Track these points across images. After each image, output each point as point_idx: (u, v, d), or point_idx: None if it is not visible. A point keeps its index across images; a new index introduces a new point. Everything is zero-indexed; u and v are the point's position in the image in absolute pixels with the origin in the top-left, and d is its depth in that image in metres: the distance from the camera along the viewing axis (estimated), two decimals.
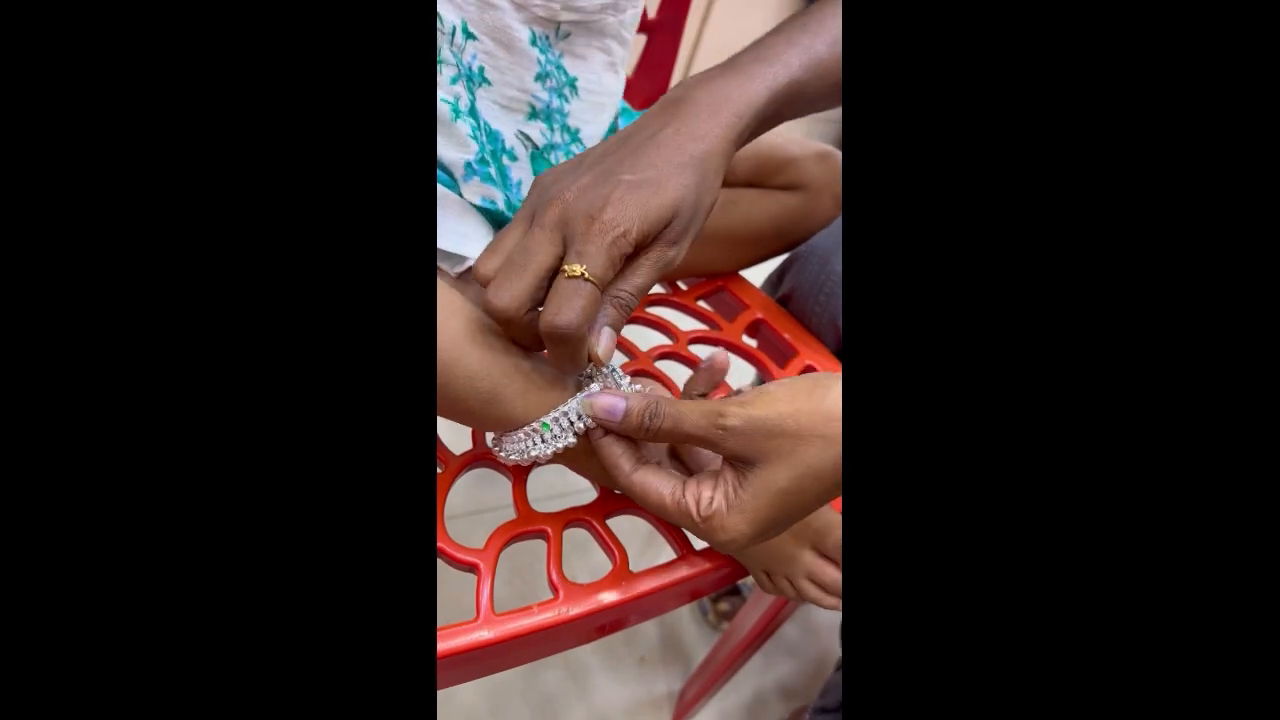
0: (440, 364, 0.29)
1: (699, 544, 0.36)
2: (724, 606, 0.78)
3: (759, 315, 0.51)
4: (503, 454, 0.33)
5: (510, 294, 0.27)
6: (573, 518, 0.36)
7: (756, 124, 0.32)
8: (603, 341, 0.29)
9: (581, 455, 0.33)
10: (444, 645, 0.30)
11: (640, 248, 0.28)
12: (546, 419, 0.31)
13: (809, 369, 0.47)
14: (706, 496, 0.28)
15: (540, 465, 0.34)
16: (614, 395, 0.30)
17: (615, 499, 0.37)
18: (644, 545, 0.57)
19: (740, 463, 0.28)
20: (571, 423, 0.31)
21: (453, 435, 0.38)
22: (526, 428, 0.31)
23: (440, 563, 0.33)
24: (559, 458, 0.33)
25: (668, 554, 0.36)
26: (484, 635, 0.31)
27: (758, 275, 0.55)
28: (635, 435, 0.30)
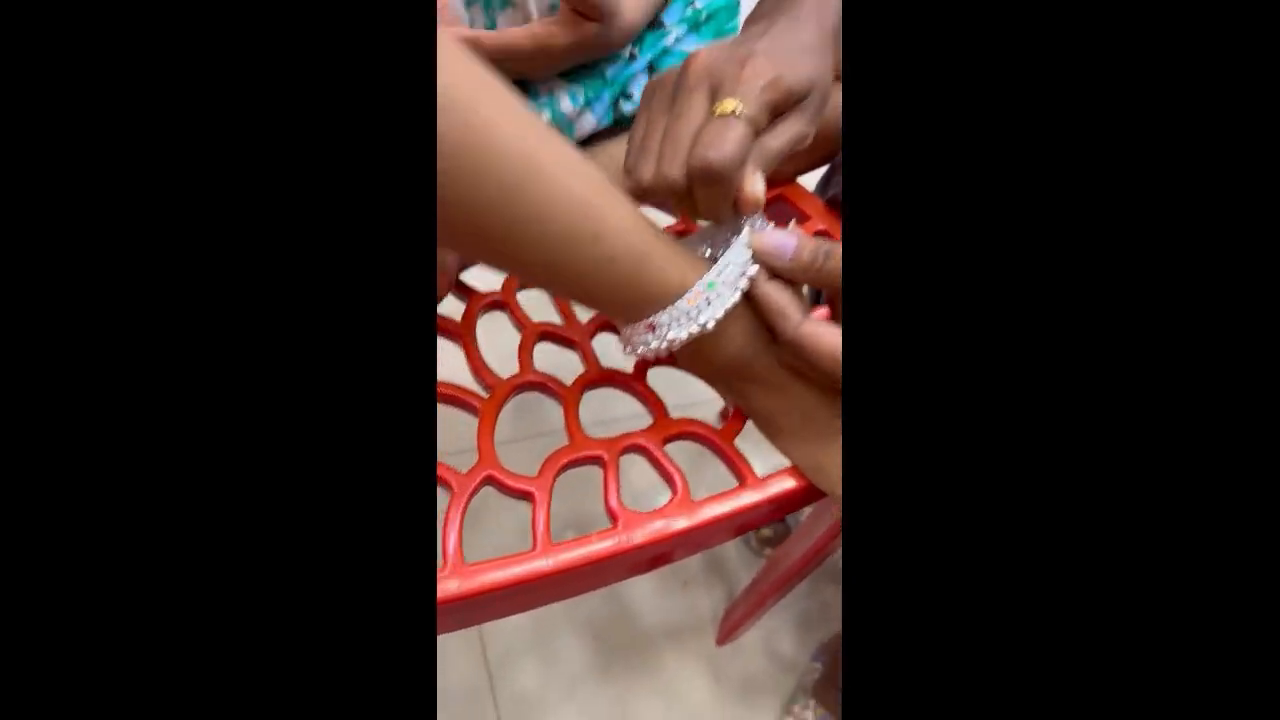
0: (586, 225, 0.26)
1: (760, 469, 0.34)
2: (766, 533, 0.78)
3: (821, 226, 0.46)
4: (648, 341, 0.29)
5: (677, 163, 0.27)
6: (629, 443, 0.33)
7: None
8: (756, 183, 0.27)
9: (710, 343, 0.30)
10: (501, 575, 0.28)
11: (782, 111, 0.28)
12: (710, 277, 0.28)
13: None
14: None
15: (672, 350, 0.30)
16: (783, 232, 0.28)
17: (672, 423, 0.35)
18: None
19: None
20: (741, 273, 0.28)
21: (500, 360, 0.36)
22: (689, 292, 0.28)
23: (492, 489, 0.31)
24: (683, 355, 0.31)
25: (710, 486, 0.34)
26: (543, 565, 0.29)
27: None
28: (803, 276, 0.29)
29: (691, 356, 0.31)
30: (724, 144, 0.26)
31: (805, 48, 0.30)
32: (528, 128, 0.24)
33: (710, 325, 0.28)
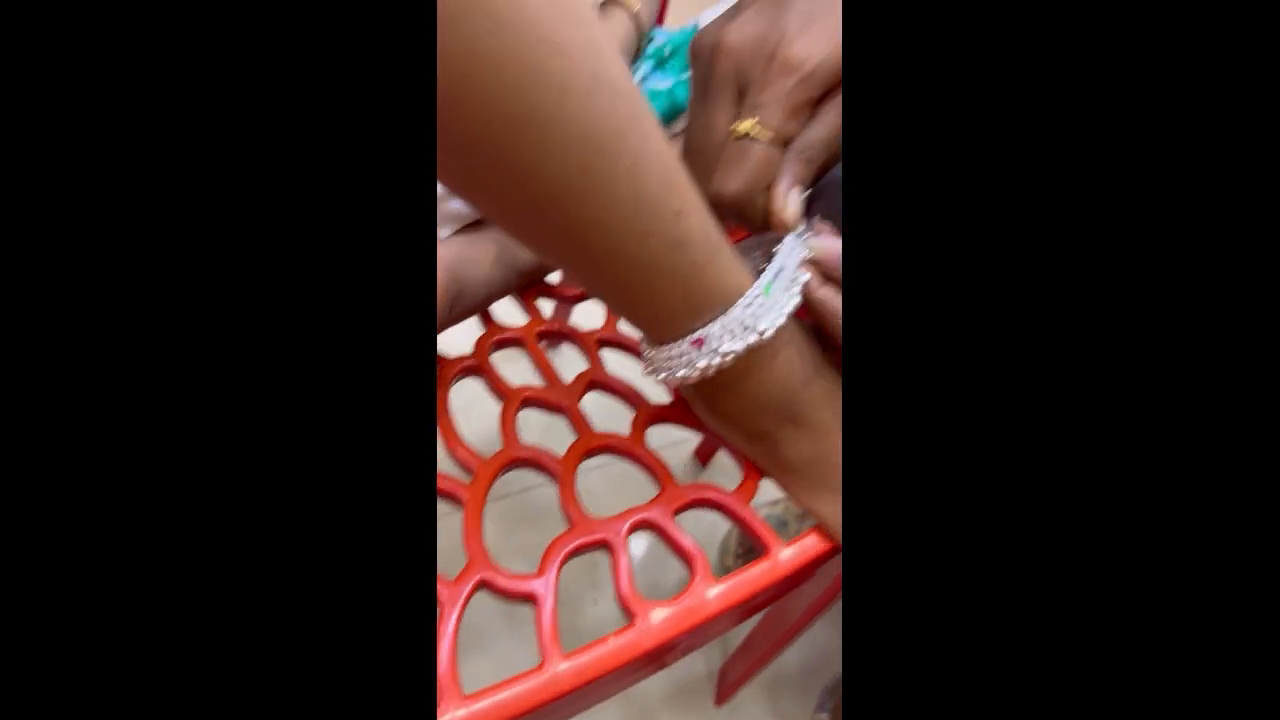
0: (672, 199, 0.22)
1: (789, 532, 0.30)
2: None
3: None
4: (694, 359, 0.25)
5: (714, 184, 0.25)
6: (638, 520, 0.29)
7: None
8: (790, 203, 0.25)
9: (740, 376, 0.26)
10: (511, 700, 0.24)
11: (828, 91, 0.24)
12: (766, 280, 0.25)
13: None
14: None
15: (711, 374, 0.26)
16: (837, 234, 0.26)
17: (682, 491, 0.31)
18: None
19: None
20: (794, 278, 0.25)
21: (478, 433, 0.32)
22: (744, 298, 0.24)
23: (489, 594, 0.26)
24: (713, 394, 0.27)
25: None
26: (558, 681, 0.24)
27: None
28: None
29: (728, 389, 0.27)
30: (738, 174, 0.25)
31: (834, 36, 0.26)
32: (627, 70, 0.20)
33: (769, 333, 0.24)
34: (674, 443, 0.83)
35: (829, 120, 0.25)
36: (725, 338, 0.24)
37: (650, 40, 0.45)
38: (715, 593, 0.28)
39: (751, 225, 0.27)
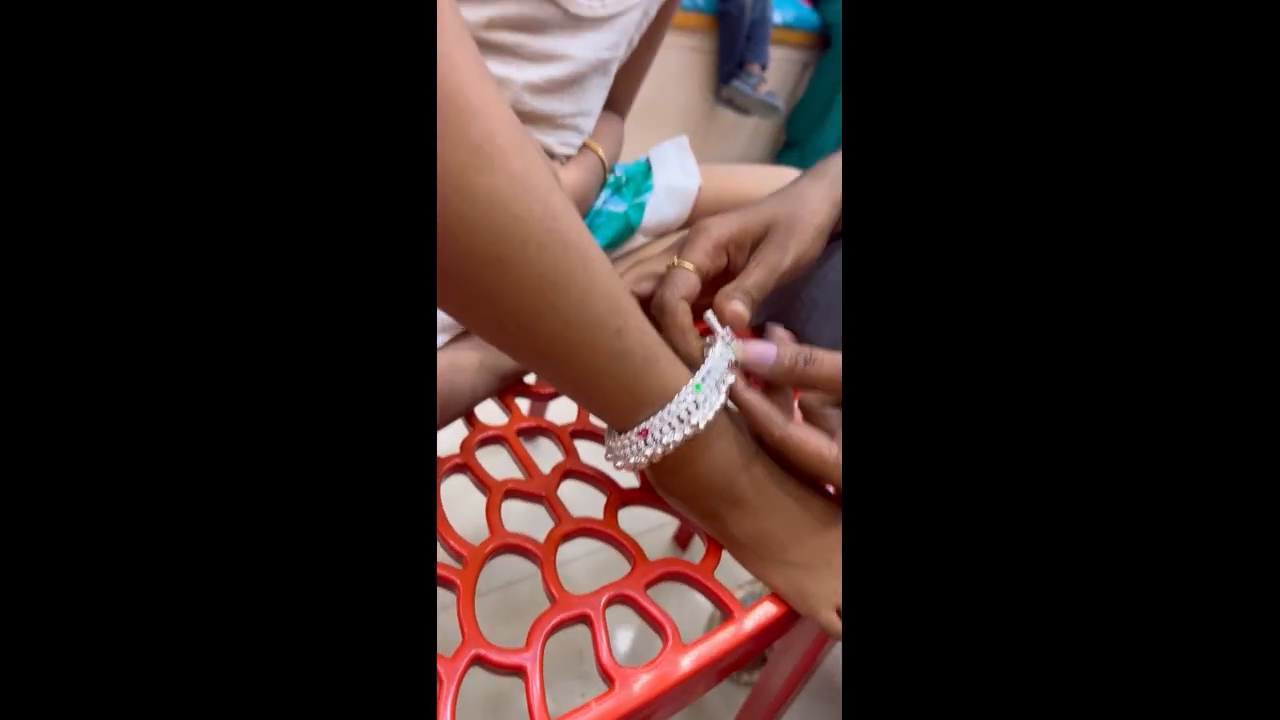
0: (614, 319, 0.28)
1: (744, 595, 0.34)
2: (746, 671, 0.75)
3: None
4: (641, 449, 0.30)
5: (655, 296, 0.33)
6: (614, 594, 0.33)
7: None
8: (729, 308, 0.32)
9: (683, 463, 0.31)
10: None
11: (739, 253, 0.35)
12: (696, 380, 0.30)
13: None
14: None
15: (657, 460, 0.31)
16: (764, 342, 0.31)
17: (653, 566, 0.34)
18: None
19: None
20: (721, 377, 0.30)
21: (463, 524, 0.35)
22: (679, 395, 0.29)
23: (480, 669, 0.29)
24: (665, 475, 0.32)
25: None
26: None
27: None
28: (786, 379, 0.31)
29: (674, 473, 0.32)
30: (668, 287, 0.32)
31: (777, 197, 0.37)
32: (581, 224, 0.27)
33: (701, 425, 0.29)
34: (655, 527, 0.85)
35: (756, 271, 0.34)
36: (665, 429, 0.29)
37: (611, 172, 0.53)
38: (687, 657, 0.31)
39: (676, 331, 0.32)
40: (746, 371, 0.32)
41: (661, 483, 0.33)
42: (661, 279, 0.33)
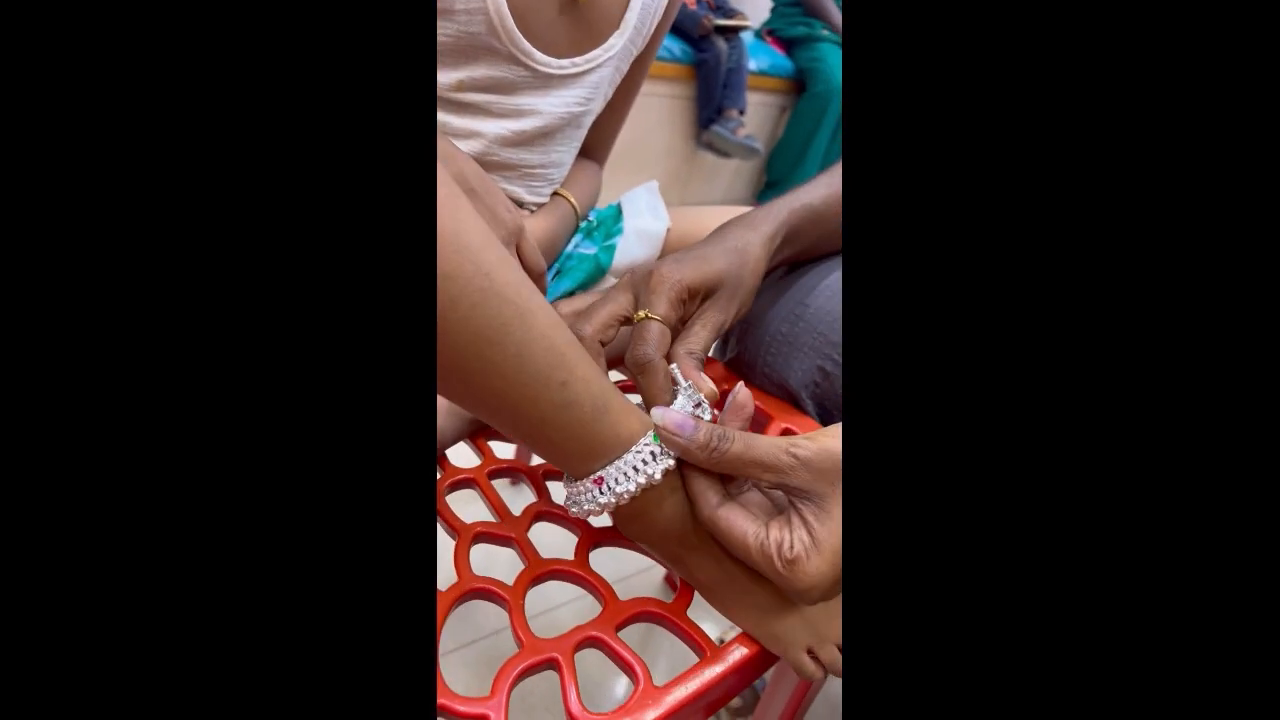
0: (557, 372, 0.28)
1: (722, 635, 0.33)
2: (736, 703, 0.73)
3: (723, 387, 0.50)
4: (595, 496, 0.30)
5: (590, 324, 0.35)
6: (582, 637, 0.32)
7: (784, 232, 0.42)
8: (683, 366, 0.34)
9: (642, 510, 0.31)
10: None
11: (692, 302, 0.36)
12: (654, 431, 0.30)
13: (788, 431, 0.47)
14: (788, 541, 0.27)
15: (612, 508, 0.31)
16: (684, 413, 0.30)
17: (623, 606, 0.34)
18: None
19: (806, 500, 0.28)
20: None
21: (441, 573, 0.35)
22: (636, 445, 0.29)
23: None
24: (626, 520, 0.32)
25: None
26: None
27: None
28: (701, 458, 0.30)
29: (634, 519, 0.32)
30: (644, 343, 0.33)
31: (725, 250, 0.38)
32: (521, 279, 0.27)
33: (658, 476, 0.29)
34: (643, 569, 0.84)
35: (704, 331, 0.36)
36: (620, 479, 0.29)
37: (584, 218, 0.55)
38: (661, 700, 0.30)
39: (653, 385, 0.33)
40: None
41: (624, 527, 0.33)
42: (633, 333, 0.34)
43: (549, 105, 0.46)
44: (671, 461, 0.30)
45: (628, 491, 0.29)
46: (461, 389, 0.27)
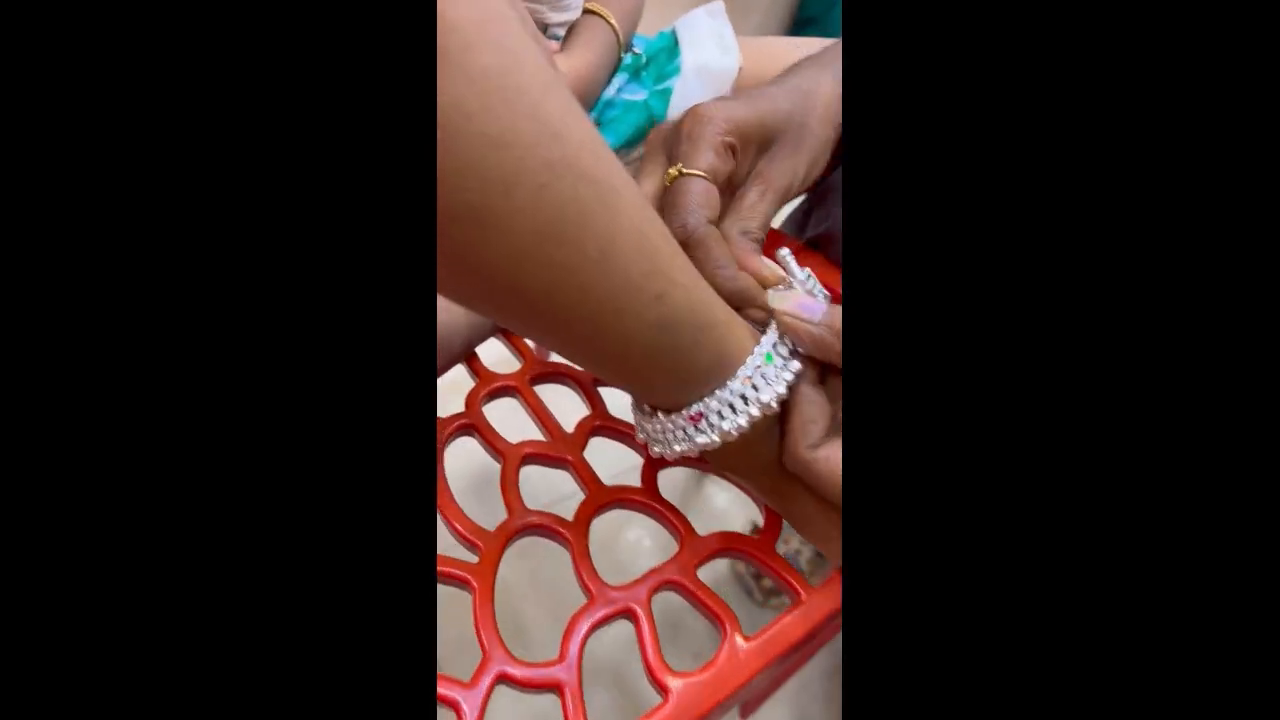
0: (652, 281, 0.20)
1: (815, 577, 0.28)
2: (768, 583, 0.73)
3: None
4: (693, 436, 0.23)
5: None
6: (660, 581, 0.27)
7: None
8: (765, 265, 0.25)
9: (744, 443, 0.24)
10: None
11: (745, 152, 0.27)
12: (765, 348, 0.23)
13: None
14: None
15: (714, 448, 0.24)
16: (802, 294, 0.24)
17: (703, 542, 0.29)
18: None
19: None
20: (793, 347, 0.23)
21: (476, 500, 0.29)
22: (740, 370, 0.23)
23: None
24: (716, 450, 0.25)
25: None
26: None
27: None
28: (838, 347, 0.23)
29: (731, 453, 0.25)
30: (680, 212, 0.24)
31: (789, 90, 0.28)
32: (599, 141, 0.18)
33: (774, 404, 0.23)
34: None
35: (763, 204, 0.26)
36: (725, 411, 0.22)
37: (628, 50, 0.43)
38: (748, 651, 0.26)
39: (711, 271, 0.24)
40: None
41: (715, 459, 0.26)
42: (667, 202, 0.24)
43: None
44: (786, 386, 0.23)
45: (737, 427, 0.23)
46: (518, 306, 0.19)
